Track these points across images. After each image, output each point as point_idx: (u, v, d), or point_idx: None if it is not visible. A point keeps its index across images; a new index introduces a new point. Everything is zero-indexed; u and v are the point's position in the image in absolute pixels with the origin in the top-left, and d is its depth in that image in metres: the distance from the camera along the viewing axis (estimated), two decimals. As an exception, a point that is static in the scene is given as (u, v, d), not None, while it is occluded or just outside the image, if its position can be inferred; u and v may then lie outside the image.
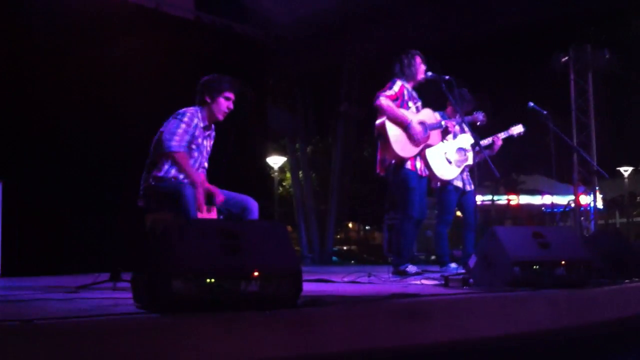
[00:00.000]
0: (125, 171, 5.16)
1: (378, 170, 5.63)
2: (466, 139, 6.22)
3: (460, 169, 6.13)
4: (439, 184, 6.15)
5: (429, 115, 5.64)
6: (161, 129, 4.42)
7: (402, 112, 5.41)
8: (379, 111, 5.41)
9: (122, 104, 7.46)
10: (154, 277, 2.51)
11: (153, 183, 4.35)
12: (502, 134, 6.41)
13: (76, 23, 7.49)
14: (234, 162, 8.48)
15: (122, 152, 6.96)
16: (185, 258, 2.51)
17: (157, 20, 8.57)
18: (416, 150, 5.47)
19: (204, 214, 4.28)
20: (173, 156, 4.28)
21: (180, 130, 4.33)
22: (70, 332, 2.07)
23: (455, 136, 6.15)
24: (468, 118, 6.10)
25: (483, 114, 6.24)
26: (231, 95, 4.52)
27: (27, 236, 6.85)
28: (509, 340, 3.16)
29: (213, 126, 4.63)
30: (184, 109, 4.45)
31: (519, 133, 6.48)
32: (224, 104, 4.50)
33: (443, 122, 5.71)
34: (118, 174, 6.60)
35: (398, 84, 5.47)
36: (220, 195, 4.39)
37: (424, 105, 5.68)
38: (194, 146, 4.44)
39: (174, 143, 4.28)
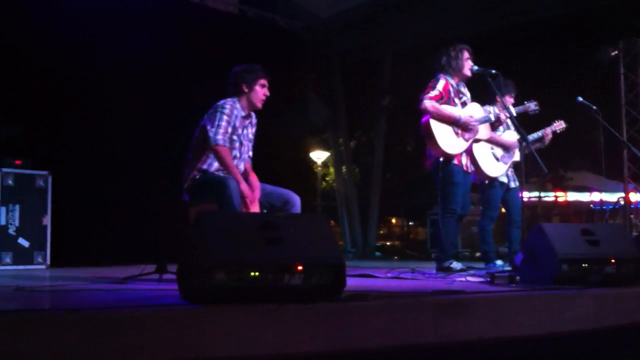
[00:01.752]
0: (172, 164, 5.21)
1: (426, 165, 5.57)
2: (512, 135, 6.12)
3: (507, 166, 6.04)
4: (486, 181, 6.06)
5: (476, 110, 5.56)
6: (202, 122, 4.45)
7: (449, 109, 5.34)
8: (424, 112, 5.35)
9: (167, 98, 7.52)
10: (198, 270, 2.54)
11: (197, 176, 4.40)
12: (547, 129, 6.26)
13: (120, 17, 7.59)
14: (277, 156, 8.56)
15: (168, 145, 7.03)
16: (229, 250, 2.53)
17: (202, 15, 8.63)
18: (465, 145, 5.41)
19: (248, 208, 4.30)
20: (216, 150, 4.30)
21: (223, 123, 4.34)
22: (116, 322, 2.10)
23: (498, 131, 6.06)
24: (519, 108, 5.99)
25: (535, 102, 6.11)
26: (266, 82, 4.55)
27: (76, 228, 6.99)
28: (555, 338, 3.10)
29: (253, 114, 4.65)
30: (223, 101, 4.47)
31: (561, 129, 6.33)
32: (261, 91, 4.53)
33: (492, 115, 5.63)
34: (165, 167, 6.68)
35: (442, 82, 5.38)
36: (255, 203, 4.38)
37: (473, 99, 5.60)
38: (234, 137, 4.45)
39: (219, 137, 4.30)
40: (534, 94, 6.56)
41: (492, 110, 5.81)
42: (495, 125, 5.83)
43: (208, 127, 4.34)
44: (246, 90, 4.51)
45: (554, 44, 13.50)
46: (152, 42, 7.44)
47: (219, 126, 4.33)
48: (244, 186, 4.25)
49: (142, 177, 7.30)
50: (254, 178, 4.52)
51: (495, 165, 5.95)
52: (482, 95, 5.87)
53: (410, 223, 27.74)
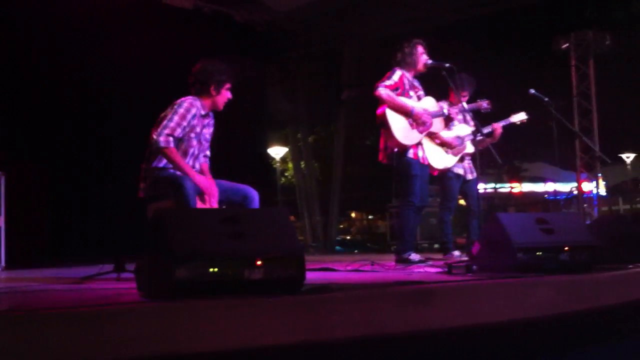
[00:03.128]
0: (128, 161, 5.15)
1: (380, 159, 5.62)
2: (464, 128, 6.22)
3: (457, 158, 6.14)
4: (435, 173, 6.15)
5: (431, 104, 5.63)
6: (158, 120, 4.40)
7: (402, 100, 5.41)
8: (380, 101, 5.40)
9: (121, 96, 7.44)
10: (158, 266, 2.52)
11: (153, 174, 4.35)
12: (503, 121, 6.40)
13: (75, 15, 7.47)
14: (236, 151, 8.53)
15: (123, 142, 6.95)
16: (189, 245, 2.51)
17: (155, 10, 8.55)
18: (419, 137, 5.47)
19: (205, 205, 4.28)
20: (161, 151, 4.24)
21: (172, 124, 4.26)
22: (77, 321, 2.07)
23: (453, 125, 6.16)
24: (472, 105, 6.09)
25: (487, 101, 6.22)
26: (230, 85, 4.52)
27: (31, 228, 6.87)
28: (513, 325, 3.16)
29: (211, 114, 4.62)
30: (181, 99, 4.41)
31: (522, 121, 6.46)
32: (226, 94, 4.51)
33: (445, 110, 5.71)
34: (121, 164, 6.60)
35: (398, 73, 5.45)
36: (215, 195, 4.33)
37: (427, 94, 5.67)
38: (192, 135, 4.40)
39: (162, 138, 4.20)
40: (488, 86, 6.67)
41: (446, 105, 5.90)
42: (449, 119, 5.91)
43: (155, 130, 4.25)
44: (214, 93, 4.46)
45: (508, 36, 13.72)
46: (103, 37, 7.36)
47: (165, 127, 4.24)
48: (199, 179, 4.21)
49: (98, 175, 7.20)
50: (209, 178, 4.48)
51: (444, 157, 6.05)
52: (439, 90, 5.95)
53: (370, 217, 27.98)
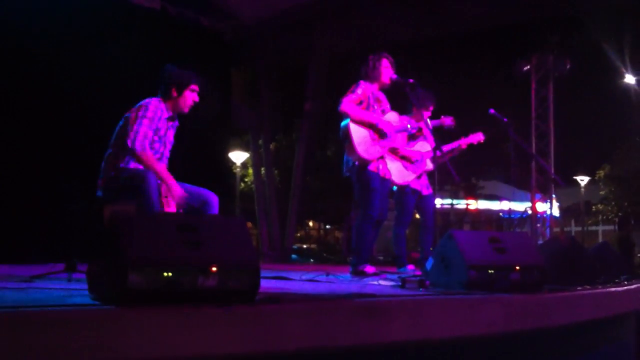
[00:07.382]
0: (84, 160, 5.08)
1: (344, 171, 5.64)
2: (424, 145, 6.29)
3: (416, 174, 6.21)
4: (395, 187, 6.22)
5: (394, 119, 5.67)
6: (122, 122, 4.36)
7: (367, 114, 5.43)
8: (344, 115, 5.42)
9: (83, 95, 7.33)
10: (111, 269, 2.49)
11: (113, 174, 4.30)
12: (462, 140, 6.50)
13: (45, 15, 7.35)
14: (196, 155, 8.47)
15: (80, 141, 6.85)
16: (143, 250, 2.48)
17: (122, 10, 8.46)
18: (380, 152, 5.49)
19: (165, 208, 4.25)
20: (138, 156, 4.22)
21: (143, 128, 4.26)
22: (23, 322, 2.03)
23: (415, 141, 6.24)
24: (434, 122, 6.17)
25: (451, 117, 6.32)
26: (197, 88, 4.52)
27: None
28: (463, 341, 3.20)
29: (176, 116, 4.60)
30: (146, 101, 4.39)
31: (479, 141, 6.59)
32: (190, 96, 4.50)
33: (409, 126, 5.76)
34: (76, 162, 6.50)
35: (362, 87, 5.48)
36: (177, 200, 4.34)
37: (391, 108, 5.71)
38: (156, 137, 4.39)
39: (137, 144, 4.21)
40: (449, 105, 6.78)
41: (409, 121, 5.96)
42: (414, 135, 5.98)
43: (127, 134, 4.24)
44: (175, 95, 4.46)
45: (470, 57, 13.96)
46: (70, 37, 7.26)
47: (137, 132, 4.24)
48: (172, 182, 4.20)
49: (52, 173, 7.07)
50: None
51: (404, 173, 6.12)
52: (400, 105, 6.01)
53: (328, 227, 28.06)
